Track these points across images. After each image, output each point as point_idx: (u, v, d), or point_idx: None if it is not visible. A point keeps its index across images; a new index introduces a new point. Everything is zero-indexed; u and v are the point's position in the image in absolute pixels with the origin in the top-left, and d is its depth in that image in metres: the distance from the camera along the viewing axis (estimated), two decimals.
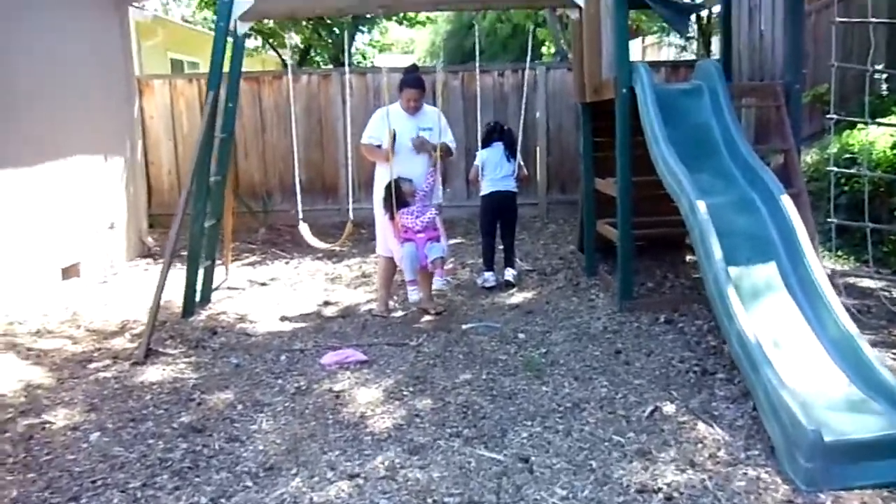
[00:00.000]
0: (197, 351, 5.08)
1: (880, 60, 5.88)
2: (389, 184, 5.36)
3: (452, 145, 5.75)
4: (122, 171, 8.28)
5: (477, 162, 6.50)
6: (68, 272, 7.14)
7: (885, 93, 7.85)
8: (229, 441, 3.64)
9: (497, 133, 6.49)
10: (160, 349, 5.07)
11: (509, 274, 6.54)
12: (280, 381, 4.44)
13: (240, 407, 4.06)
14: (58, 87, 7.07)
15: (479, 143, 6.45)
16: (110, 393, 4.33)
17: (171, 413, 4.02)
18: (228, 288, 6.83)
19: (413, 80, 5.55)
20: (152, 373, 4.65)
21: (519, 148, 6.38)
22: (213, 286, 6.50)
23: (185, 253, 6.08)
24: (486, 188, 6.50)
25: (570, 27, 7.28)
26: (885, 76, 7.45)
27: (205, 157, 5.85)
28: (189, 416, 3.96)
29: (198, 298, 6.08)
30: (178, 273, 6.10)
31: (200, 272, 6.06)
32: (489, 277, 6.51)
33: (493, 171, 6.43)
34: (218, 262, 6.67)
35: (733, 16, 6.40)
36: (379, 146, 5.53)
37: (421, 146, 5.44)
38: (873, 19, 5.60)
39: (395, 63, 23.87)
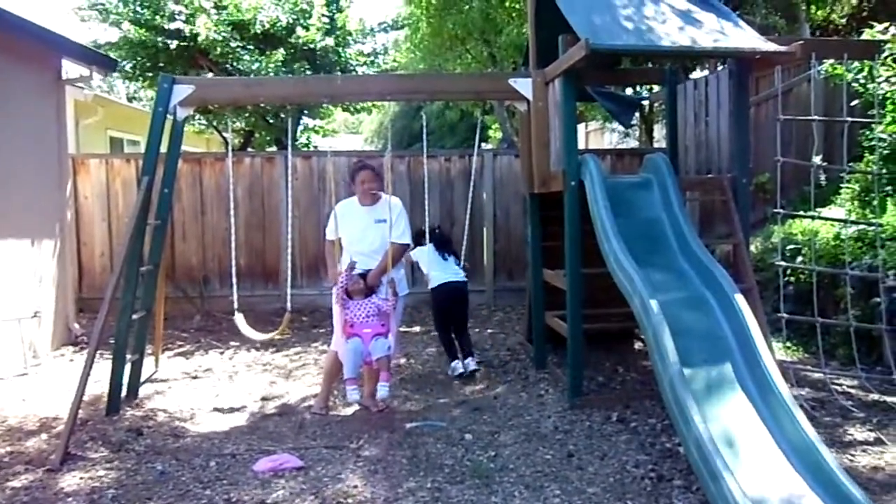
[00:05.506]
0: (119, 455, 4.68)
1: (818, 151, 6.01)
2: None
3: (405, 240, 5.48)
4: (51, 256, 7.87)
5: (413, 259, 6.35)
6: None
7: (823, 182, 8.00)
8: None
9: (422, 236, 6.10)
10: (80, 453, 4.66)
11: (473, 364, 6.31)
12: (208, 493, 4.07)
13: None
14: None
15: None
16: None
17: None
18: (158, 381, 6.43)
19: (365, 164, 5.57)
20: (68, 481, 4.25)
21: (465, 242, 6.18)
22: (142, 379, 6.11)
23: (113, 341, 5.70)
24: (435, 280, 6.20)
25: (517, 116, 7.27)
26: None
27: (136, 245, 5.56)
28: None
29: (124, 394, 5.69)
30: (106, 363, 5.71)
31: (127, 367, 5.69)
32: (457, 366, 6.32)
33: (436, 265, 6.28)
34: (148, 351, 6.29)
35: (679, 110, 6.45)
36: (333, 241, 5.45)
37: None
38: (815, 117, 5.69)
39: (339, 146, 23.98)
